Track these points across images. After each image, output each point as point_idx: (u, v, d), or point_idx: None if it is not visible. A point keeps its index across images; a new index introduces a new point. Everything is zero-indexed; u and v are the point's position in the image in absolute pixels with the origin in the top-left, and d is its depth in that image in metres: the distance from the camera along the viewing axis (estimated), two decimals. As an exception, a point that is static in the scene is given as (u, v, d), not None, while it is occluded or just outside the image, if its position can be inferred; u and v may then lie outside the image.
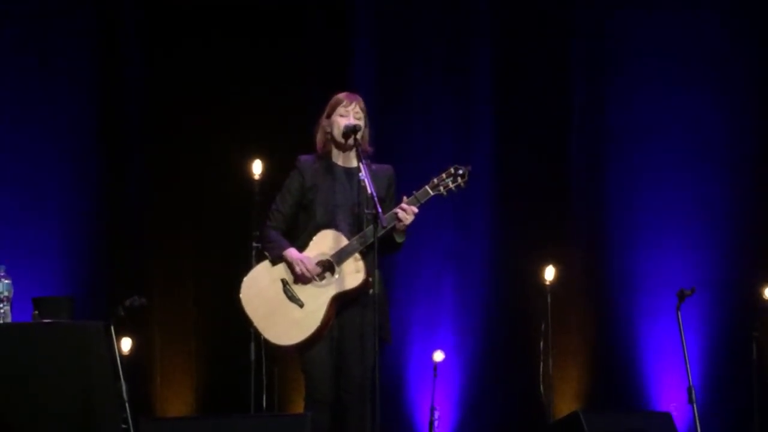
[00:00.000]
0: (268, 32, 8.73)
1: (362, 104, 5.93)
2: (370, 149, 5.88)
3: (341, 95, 5.95)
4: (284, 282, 5.82)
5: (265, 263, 5.90)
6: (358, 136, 5.80)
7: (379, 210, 5.55)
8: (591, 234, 8.63)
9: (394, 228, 5.75)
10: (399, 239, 5.83)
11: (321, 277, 5.79)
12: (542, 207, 8.62)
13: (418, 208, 5.75)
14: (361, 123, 5.86)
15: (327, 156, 5.95)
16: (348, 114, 5.88)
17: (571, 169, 8.70)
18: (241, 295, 5.86)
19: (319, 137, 5.97)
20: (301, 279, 5.79)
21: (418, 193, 5.79)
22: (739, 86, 8.48)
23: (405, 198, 5.77)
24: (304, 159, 5.98)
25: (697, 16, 8.53)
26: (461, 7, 8.82)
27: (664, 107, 8.54)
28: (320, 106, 6.01)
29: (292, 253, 5.81)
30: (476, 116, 8.78)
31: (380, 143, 6.12)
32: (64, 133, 8.56)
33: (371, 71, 8.75)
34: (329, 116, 5.93)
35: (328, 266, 5.78)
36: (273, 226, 5.92)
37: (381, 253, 5.70)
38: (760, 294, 7.86)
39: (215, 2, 8.71)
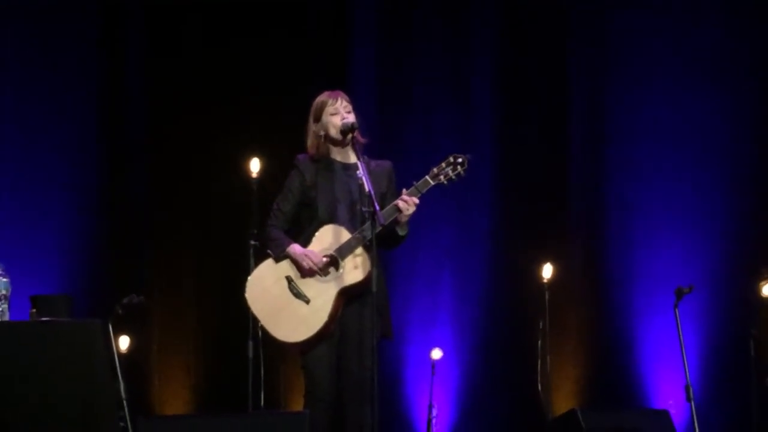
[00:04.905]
0: (267, 31, 8.73)
1: (347, 97, 5.94)
2: (364, 140, 5.89)
3: (323, 96, 5.95)
4: (289, 279, 5.81)
5: (269, 261, 5.89)
6: (355, 133, 5.81)
7: (377, 208, 5.56)
8: (589, 232, 8.64)
9: (396, 221, 5.75)
10: (401, 232, 5.83)
11: (325, 272, 5.79)
12: (541, 205, 8.63)
13: (418, 198, 5.76)
14: (353, 116, 5.87)
15: (324, 155, 5.94)
16: (338, 111, 5.88)
17: (569, 167, 8.70)
18: (246, 295, 5.86)
19: (311, 142, 5.96)
20: (308, 273, 5.79)
21: (418, 184, 5.78)
22: (738, 86, 8.48)
23: (405, 190, 5.77)
24: (303, 158, 5.98)
25: (697, 16, 8.53)
26: (461, 7, 8.82)
27: (662, 106, 8.54)
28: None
29: (295, 248, 5.81)
30: (475, 114, 8.78)
31: (380, 141, 6.13)
32: (63, 130, 8.57)
33: (370, 69, 8.75)
34: (318, 119, 5.92)
35: (332, 261, 5.78)
36: (275, 225, 5.92)
37: (385, 246, 5.78)
38: (758, 291, 7.86)
39: (215, 2, 8.71)
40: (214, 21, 8.72)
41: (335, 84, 6.06)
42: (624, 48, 8.63)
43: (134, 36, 8.75)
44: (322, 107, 5.92)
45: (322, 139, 5.92)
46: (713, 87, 8.48)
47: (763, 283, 7.71)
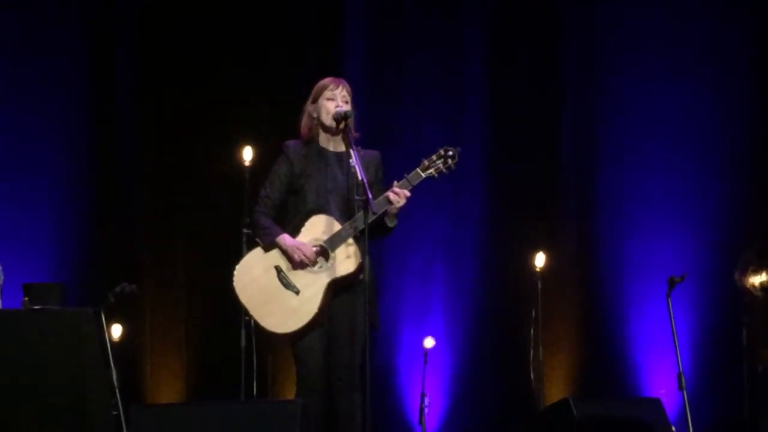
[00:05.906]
0: (259, 15, 8.71)
1: (348, 88, 5.92)
2: (357, 134, 5.87)
3: (327, 80, 5.94)
4: (278, 269, 5.80)
5: (257, 250, 5.87)
6: (349, 122, 5.79)
7: (370, 196, 5.54)
8: (581, 221, 8.64)
9: (385, 212, 5.75)
10: (390, 223, 5.82)
11: (315, 263, 5.77)
12: (533, 194, 8.63)
13: (410, 191, 5.75)
14: (349, 106, 5.86)
15: (314, 141, 5.93)
16: (335, 98, 5.87)
17: (561, 156, 8.70)
18: (234, 284, 5.83)
19: (305, 122, 5.95)
20: (300, 266, 5.77)
21: (409, 176, 5.77)
22: (729, 76, 8.48)
23: (396, 182, 5.76)
24: (292, 144, 5.96)
25: (689, 5, 8.53)
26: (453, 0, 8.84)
27: (654, 96, 8.55)
28: (311, 90, 6.00)
29: (286, 239, 5.78)
30: (467, 104, 8.77)
31: (371, 130, 6.11)
32: (55, 119, 8.56)
33: (362, 57, 8.74)
34: (315, 101, 5.91)
35: (322, 252, 5.77)
36: (263, 212, 5.90)
37: (372, 237, 5.71)
38: (744, 282, 7.86)
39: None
40: (208, 17, 8.71)
41: (325, 69, 6.06)
42: (616, 38, 8.62)
43: (125, 17, 8.74)
44: (321, 90, 5.91)
45: (315, 122, 5.91)
46: (707, 77, 8.49)
47: (750, 273, 7.72)
